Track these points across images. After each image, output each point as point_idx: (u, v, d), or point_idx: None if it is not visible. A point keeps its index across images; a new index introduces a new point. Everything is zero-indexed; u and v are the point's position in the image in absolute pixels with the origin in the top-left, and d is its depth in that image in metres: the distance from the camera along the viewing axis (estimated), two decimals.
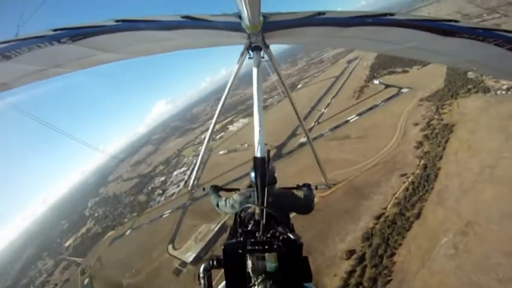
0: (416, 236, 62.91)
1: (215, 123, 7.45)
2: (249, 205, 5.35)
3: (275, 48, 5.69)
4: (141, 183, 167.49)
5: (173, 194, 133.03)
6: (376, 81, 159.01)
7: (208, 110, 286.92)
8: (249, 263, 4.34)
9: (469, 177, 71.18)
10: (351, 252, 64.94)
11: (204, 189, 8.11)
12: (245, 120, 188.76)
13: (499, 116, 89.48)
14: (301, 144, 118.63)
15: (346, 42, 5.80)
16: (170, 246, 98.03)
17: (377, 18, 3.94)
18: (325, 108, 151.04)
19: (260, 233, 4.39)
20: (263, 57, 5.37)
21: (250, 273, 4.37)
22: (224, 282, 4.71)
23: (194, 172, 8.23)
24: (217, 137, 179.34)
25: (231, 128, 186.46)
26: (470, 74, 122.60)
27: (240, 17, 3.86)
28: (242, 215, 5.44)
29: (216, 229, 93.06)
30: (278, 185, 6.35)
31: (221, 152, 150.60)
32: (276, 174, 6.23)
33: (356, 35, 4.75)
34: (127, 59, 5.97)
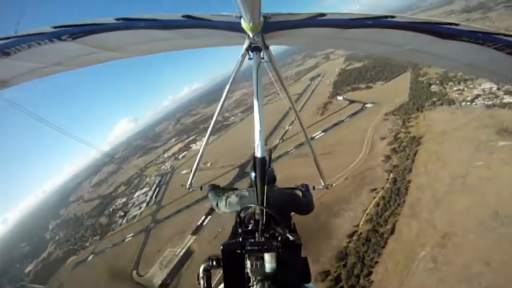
0: (392, 252, 63.25)
1: (215, 123, 7.44)
2: (249, 205, 5.44)
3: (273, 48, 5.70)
4: (103, 204, 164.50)
5: (135, 216, 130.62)
6: (339, 98, 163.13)
7: (171, 128, 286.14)
8: (248, 263, 4.36)
9: (441, 188, 72.94)
10: (325, 274, 63.93)
11: (202, 188, 8.21)
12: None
13: (466, 126, 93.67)
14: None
15: (346, 43, 5.91)
16: (134, 272, 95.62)
17: (377, 20, 4.00)
18: (289, 126, 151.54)
19: (259, 233, 4.59)
20: (263, 58, 5.43)
21: (249, 274, 4.41)
22: (223, 282, 4.72)
23: (193, 171, 8.29)
24: (180, 156, 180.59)
25: (194, 146, 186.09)
26: (434, 87, 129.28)
27: (240, 17, 3.91)
28: (242, 215, 5.49)
29: (181, 254, 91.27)
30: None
31: (184, 172, 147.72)
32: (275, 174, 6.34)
33: (356, 37, 4.90)
34: (127, 58, 6.04)
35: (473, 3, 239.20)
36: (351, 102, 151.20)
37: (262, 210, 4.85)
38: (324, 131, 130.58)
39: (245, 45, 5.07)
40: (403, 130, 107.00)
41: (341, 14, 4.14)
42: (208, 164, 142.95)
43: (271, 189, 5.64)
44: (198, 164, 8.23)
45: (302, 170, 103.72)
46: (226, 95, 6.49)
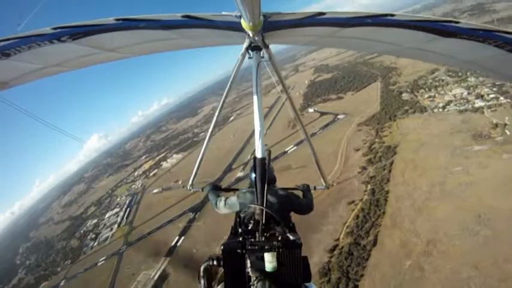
0: (377, 264, 63.35)
1: (215, 123, 7.76)
2: (249, 205, 5.64)
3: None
4: (73, 226, 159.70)
5: (107, 238, 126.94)
6: (310, 110, 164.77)
7: (141, 145, 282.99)
8: (248, 262, 4.45)
9: (420, 196, 74.17)
10: None
11: (202, 189, 8.39)
12: (179, 156, 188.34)
13: (440, 133, 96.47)
14: (239, 179, 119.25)
15: (346, 42, 6.02)
16: None
17: (377, 19, 4.08)
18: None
19: (259, 233, 4.69)
20: (263, 57, 5.57)
21: (250, 273, 4.49)
22: (223, 282, 4.84)
23: (194, 171, 8.34)
24: (151, 174, 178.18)
25: (165, 164, 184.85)
26: (405, 96, 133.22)
27: (240, 17, 3.99)
28: (242, 215, 5.70)
29: (155, 277, 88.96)
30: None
31: (155, 191, 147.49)
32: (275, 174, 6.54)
33: (356, 35, 5.01)
34: (127, 58, 6.15)
35: (439, 13, 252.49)
36: (322, 114, 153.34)
37: (262, 210, 4.95)
38: (297, 144, 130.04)
39: (245, 45, 5.20)
40: (377, 140, 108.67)
41: (340, 12, 4.19)
42: (180, 182, 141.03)
43: (271, 189, 5.89)
44: (199, 164, 8.32)
45: (278, 184, 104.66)
46: (227, 93, 6.71)
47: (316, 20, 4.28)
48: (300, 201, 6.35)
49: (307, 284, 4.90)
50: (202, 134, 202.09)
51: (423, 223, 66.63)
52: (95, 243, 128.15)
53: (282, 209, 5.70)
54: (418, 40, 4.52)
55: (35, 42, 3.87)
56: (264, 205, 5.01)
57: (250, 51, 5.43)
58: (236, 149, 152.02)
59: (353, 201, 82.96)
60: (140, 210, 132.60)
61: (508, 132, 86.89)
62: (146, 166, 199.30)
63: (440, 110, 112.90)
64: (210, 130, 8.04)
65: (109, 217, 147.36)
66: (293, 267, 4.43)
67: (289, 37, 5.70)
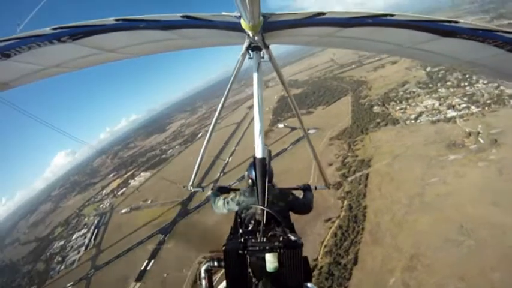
0: (360, 283, 62.83)
1: (215, 124, 7.94)
2: (250, 205, 5.82)
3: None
4: (40, 247, 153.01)
5: (74, 261, 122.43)
6: (280, 125, 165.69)
7: (109, 162, 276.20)
8: (249, 263, 4.60)
9: (400, 210, 74.88)
10: None
11: (203, 189, 8.80)
12: (147, 174, 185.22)
13: (414, 144, 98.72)
14: (209, 198, 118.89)
15: (346, 42, 6.09)
16: None
17: (377, 19, 4.18)
18: (229, 157, 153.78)
19: (260, 233, 4.75)
20: (263, 58, 5.71)
21: (251, 273, 4.64)
22: (225, 282, 5.04)
23: (194, 172, 8.55)
24: (119, 193, 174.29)
25: (133, 182, 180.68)
26: (376, 109, 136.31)
27: (239, 17, 4.08)
28: (243, 215, 5.86)
29: None
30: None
31: (123, 211, 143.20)
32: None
33: (356, 36, 5.15)
34: (127, 59, 6.26)
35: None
36: (293, 129, 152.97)
37: (262, 211, 5.10)
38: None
39: (245, 45, 5.32)
40: (350, 154, 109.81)
41: (340, 12, 4.31)
42: (149, 201, 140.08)
43: (271, 189, 6.03)
44: (199, 164, 8.46)
45: None
46: (227, 95, 6.85)
47: (316, 20, 4.37)
48: (300, 201, 6.51)
49: (307, 284, 5.07)
50: (171, 151, 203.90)
51: (405, 237, 67.08)
52: (62, 267, 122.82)
53: (282, 208, 5.92)
54: (418, 40, 4.63)
55: (35, 43, 3.94)
56: (265, 205, 5.14)
57: (250, 51, 5.54)
58: (205, 166, 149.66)
59: (330, 219, 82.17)
60: (108, 232, 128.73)
61: (481, 141, 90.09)
62: (114, 184, 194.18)
63: (413, 121, 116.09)
64: (209, 131, 8.27)
65: (76, 238, 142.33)
66: (294, 268, 4.57)
67: (289, 37, 5.81)
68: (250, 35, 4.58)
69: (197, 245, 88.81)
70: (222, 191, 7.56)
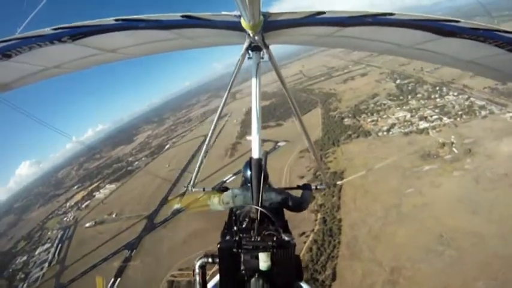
0: None
1: (216, 124, 8.65)
2: (245, 204, 6.03)
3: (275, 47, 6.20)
4: (2, 263, 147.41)
5: (37, 278, 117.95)
6: (248, 137, 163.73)
7: (74, 173, 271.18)
8: (243, 261, 4.76)
9: (376, 222, 75.56)
10: None
11: (204, 189, 8.95)
12: (112, 186, 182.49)
13: (387, 156, 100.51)
14: (177, 212, 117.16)
15: (346, 42, 6.17)
16: None
17: (377, 18, 4.26)
18: (197, 170, 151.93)
19: (255, 232, 4.89)
20: (263, 58, 5.79)
21: (244, 272, 4.80)
22: (218, 278, 5.52)
23: (195, 172, 8.99)
24: (83, 205, 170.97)
25: (98, 195, 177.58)
26: (347, 121, 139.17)
27: (239, 17, 4.14)
28: (237, 212, 6.06)
29: None
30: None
31: (87, 225, 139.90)
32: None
33: (356, 35, 5.27)
34: (127, 59, 6.40)
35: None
36: (262, 141, 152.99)
37: (257, 210, 5.20)
38: (235, 174, 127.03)
39: (245, 45, 5.41)
40: (322, 166, 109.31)
41: (340, 12, 4.36)
42: (114, 215, 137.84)
43: (266, 188, 6.33)
44: (200, 164, 8.94)
45: (216, 221, 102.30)
46: (227, 96, 7.22)
47: (316, 19, 4.45)
48: (295, 200, 6.65)
49: (300, 282, 5.47)
50: (137, 163, 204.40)
51: (383, 250, 67.33)
52: (25, 285, 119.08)
53: (277, 207, 6.20)
54: (419, 40, 4.73)
55: (35, 43, 4.01)
56: (260, 205, 5.28)
57: (250, 51, 5.64)
58: (172, 179, 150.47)
59: (304, 233, 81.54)
60: (72, 247, 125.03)
61: (455, 151, 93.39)
62: (78, 197, 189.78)
63: (385, 133, 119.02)
64: (210, 132, 8.85)
65: (39, 253, 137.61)
66: (286, 267, 4.79)
67: (289, 37, 5.92)
68: (251, 34, 4.66)
69: (165, 262, 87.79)
70: (220, 189, 7.68)
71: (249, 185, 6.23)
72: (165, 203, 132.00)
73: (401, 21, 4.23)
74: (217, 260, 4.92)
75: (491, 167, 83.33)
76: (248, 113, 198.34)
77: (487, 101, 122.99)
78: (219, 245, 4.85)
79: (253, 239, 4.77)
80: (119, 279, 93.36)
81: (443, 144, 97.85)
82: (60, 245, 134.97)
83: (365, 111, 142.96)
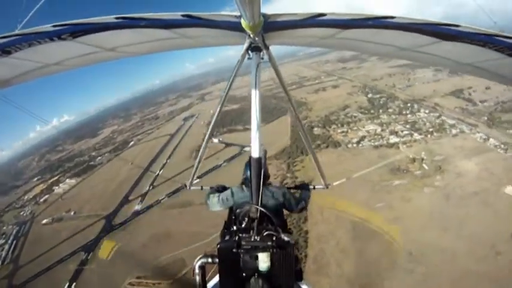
0: None
1: (214, 125, 8.48)
2: (244, 204, 6.16)
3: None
4: None
5: None
6: (215, 140, 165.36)
7: (35, 164, 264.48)
8: (242, 261, 5.01)
9: (345, 235, 76.17)
10: None
11: (202, 188, 9.02)
12: (72, 181, 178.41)
13: (357, 168, 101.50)
14: (137, 213, 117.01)
15: (346, 44, 6.33)
16: None
17: (377, 21, 4.34)
18: (160, 170, 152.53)
19: (254, 232, 5.11)
20: (262, 58, 5.89)
21: (244, 272, 5.05)
22: (217, 277, 5.65)
23: (193, 170, 9.09)
24: (41, 200, 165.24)
25: (57, 189, 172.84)
26: (317, 130, 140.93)
27: (240, 17, 4.19)
28: (237, 211, 6.27)
29: None
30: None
31: (44, 221, 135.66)
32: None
33: (356, 37, 5.41)
34: (127, 58, 6.49)
35: (348, 54, 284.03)
36: (228, 145, 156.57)
37: (256, 209, 5.47)
38: (199, 177, 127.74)
39: (245, 45, 5.48)
40: (289, 175, 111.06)
41: (341, 14, 4.45)
42: (72, 213, 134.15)
43: (267, 187, 6.45)
44: (199, 163, 8.94)
45: (178, 225, 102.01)
46: (226, 96, 7.11)
47: (316, 21, 4.53)
48: (294, 200, 6.84)
49: (299, 283, 5.72)
50: (100, 158, 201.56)
51: (352, 265, 67.70)
52: None
53: (276, 206, 6.36)
54: (419, 43, 4.84)
55: (35, 40, 4.08)
56: (259, 204, 5.51)
57: (250, 52, 5.72)
58: (134, 177, 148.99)
59: None
60: (28, 244, 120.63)
61: (426, 167, 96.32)
62: (37, 190, 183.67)
63: (355, 145, 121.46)
64: (208, 131, 8.68)
65: None
66: (286, 267, 4.96)
67: (289, 38, 6.05)
68: (251, 35, 4.74)
69: (123, 267, 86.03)
70: (218, 189, 7.71)
71: (249, 184, 6.27)
72: (126, 203, 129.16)
73: (402, 25, 4.34)
74: (217, 260, 5.08)
75: (461, 185, 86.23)
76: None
77: (457, 120, 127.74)
78: (218, 245, 5.04)
79: (252, 239, 4.94)
80: (74, 283, 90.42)
81: (414, 160, 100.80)
82: (15, 242, 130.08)
83: (335, 122, 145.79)
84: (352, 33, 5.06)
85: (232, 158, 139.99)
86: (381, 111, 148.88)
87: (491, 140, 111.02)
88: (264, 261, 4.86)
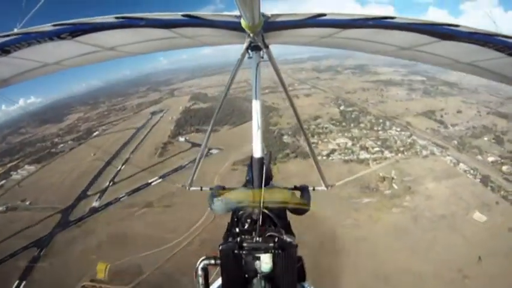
0: None
1: (213, 124, 8.86)
2: (246, 205, 6.21)
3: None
4: None
5: None
6: (181, 139, 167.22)
7: None
8: (245, 262, 5.21)
9: (310, 253, 71.08)
10: None
11: (202, 188, 8.92)
12: (31, 168, 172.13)
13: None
14: (94, 210, 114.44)
15: (346, 43, 6.51)
16: None
17: (378, 21, 4.47)
18: (122, 165, 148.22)
19: (256, 233, 5.26)
20: (262, 58, 6.06)
21: (246, 273, 5.26)
22: (220, 280, 5.60)
23: (193, 170, 8.99)
24: None
25: (15, 175, 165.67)
26: (286, 138, 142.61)
27: (240, 17, 4.28)
28: (239, 214, 6.27)
29: None
30: None
31: None
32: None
33: (356, 37, 5.61)
34: (127, 57, 6.72)
35: (323, 65, 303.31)
36: (194, 145, 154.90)
37: (259, 211, 5.59)
38: (162, 176, 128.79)
39: (245, 45, 5.61)
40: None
41: (341, 14, 4.59)
42: (28, 203, 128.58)
43: (269, 188, 6.48)
44: (198, 163, 8.93)
45: (137, 227, 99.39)
46: (225, 97, 7.51)
47: (316, 21, 4.63)
48: (297, 201, 6.82)
49: (303, 283, 5.79)
50: (62, 145, 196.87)
51: (316, 284, 66.76)
52: None
53: (279, 208, 6.30)
54: (418, 42, 5.02)
55: (35, 39, 4.16)
56: (261, 205, 5.60)
57: (250, 51, 5.93)
58: (95, 170, 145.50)
59: None
60: None
61: (395, 186, 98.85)
62: None
63: (324, 157, 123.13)
64: (208, 132, 9.17)
65: None
66: (288, 269, 5.12)
67: (289, 38, 6.26)
68: (251, 35, 4.83)
69: (76, 268, 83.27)
70: (219, 190, 7.72)
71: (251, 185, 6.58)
72: (84, 197, 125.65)
73: (402, 25, 4.44)
74: (219, 262, 5.33)
75: (430, 207, 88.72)
76: (185, 111, 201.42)
77: (428, 141, 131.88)
78: (220, 247, 5.21)
79: (254, 241, 5.12)
80: (24, 282, 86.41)
81: (384, 179, 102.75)
82: None
83: (306, 132, 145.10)
84: (352, 33, 5.24)
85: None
86: (352, 125, 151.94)
87: (461, 164, 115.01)
88: (266, 262, 5.05)
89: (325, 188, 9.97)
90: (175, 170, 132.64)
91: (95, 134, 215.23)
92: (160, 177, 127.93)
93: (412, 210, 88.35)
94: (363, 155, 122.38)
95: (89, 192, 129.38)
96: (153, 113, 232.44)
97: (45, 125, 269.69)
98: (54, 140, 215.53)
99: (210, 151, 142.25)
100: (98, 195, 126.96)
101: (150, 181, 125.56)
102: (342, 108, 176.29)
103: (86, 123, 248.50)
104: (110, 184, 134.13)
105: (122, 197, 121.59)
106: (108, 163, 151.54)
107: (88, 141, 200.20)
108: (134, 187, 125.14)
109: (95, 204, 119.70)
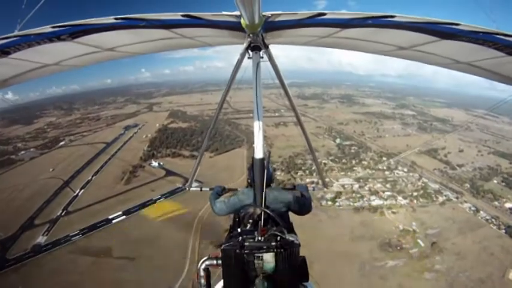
0: None
1: (212, 128, 9.47)
2: (248, 206, 7.01)
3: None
4: None
5: None
6: (154, 163, 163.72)
7: None
8: (247, 262, 5.75)
9: None
10: None
11: (201, 189, 9.57)
12: None
13: (337, 237, 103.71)
14: (38, 249, 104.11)
15: (346, 43, 7.22)
16: None
17: (377, 20, 5.00)
18: (81, 189, 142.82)
19: (258, 233, 5.85)
20: (262, 57, 6.90)
21: (248, 273, 5.81)
22: (222, 281, 6.17)
23: (193, 172, 9.75)
24: None
25: None
26: (280, 175, 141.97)
27: (240, 17, 5.01)
28: (241, 215, 7.03)
29: None
30: None
31: None
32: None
33: (356, 36, 6.37)
34: (127, 58, 7.59)
35: (308, 92, 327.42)
36: (169, 173, 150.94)
37: (261, 211, 6.26)
38: (127, 213, 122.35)
39: (245, 45, 6.46)
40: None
41: (341, 13, 5.18)
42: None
43: (270, 189, 7.29)
44: (198, 164, 9.81)
45: (89, 280, 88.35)
46: (225, 96, 8.15)
47: (316, 20, 5.39)
48: (300, 202, 7.57)
49: (305, 283, 6.28)
50: (23, 152, 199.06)
51: None
52: None
53: (281, 208, 7.13)
54: (418, 42, 5.62)
55: (34, 41, 4.68)
56: (263, 206, 6.37)
57: (249, 51, 6.75)
58: (49, 191, 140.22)
59: None
60: None
61: (421, 243, 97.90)
62: None
63: (329, 202, 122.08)
64: (209, 131, 9.85)
65: None
66: (291, 268, 5.71)
67: (289, 37, 7.05)
68: (251, 34, 5.66)
69: None
70: (219, 191, 8.56)
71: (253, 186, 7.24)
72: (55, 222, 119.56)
73: (402, 24, 4.96)
74: (221, 262, 5.91)
75: (463, 269, 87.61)
76: (161, 130, 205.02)
77: (440, 184, 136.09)
78: (222, 248, 5.77)
79: (256, 240, 5.72)
80: None
81: (406, 232, 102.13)
82: None
83: (302, 168, 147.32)
84: (351, 32, 6.00)
85: (173, 192, 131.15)
86: (353, 162, 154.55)
87: (481, 212, 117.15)
88: (268, 261, 5.64)
89: (325, 188, 11.20)
90: (143, 205, 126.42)
91: (61, 143, 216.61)
92: (123, 214, 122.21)
93: (445, 274, 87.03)
94: (375, 201, 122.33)
95: (36, 221, 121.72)
96: (127, 128, 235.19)
97: (13, 125, 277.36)
98: (17, 145, 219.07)
99: (191, 189, 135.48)
100: (47, 226, 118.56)
101: (111, 217, 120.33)
102: (338, 141, 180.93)
103: (55, 130, 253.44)
104: (63, 214, 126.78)
105: (75, 235, 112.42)
106: (67, 183, 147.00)
107: (51, 151, 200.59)
108: (91, 223, 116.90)
109: (41, 240, 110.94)
